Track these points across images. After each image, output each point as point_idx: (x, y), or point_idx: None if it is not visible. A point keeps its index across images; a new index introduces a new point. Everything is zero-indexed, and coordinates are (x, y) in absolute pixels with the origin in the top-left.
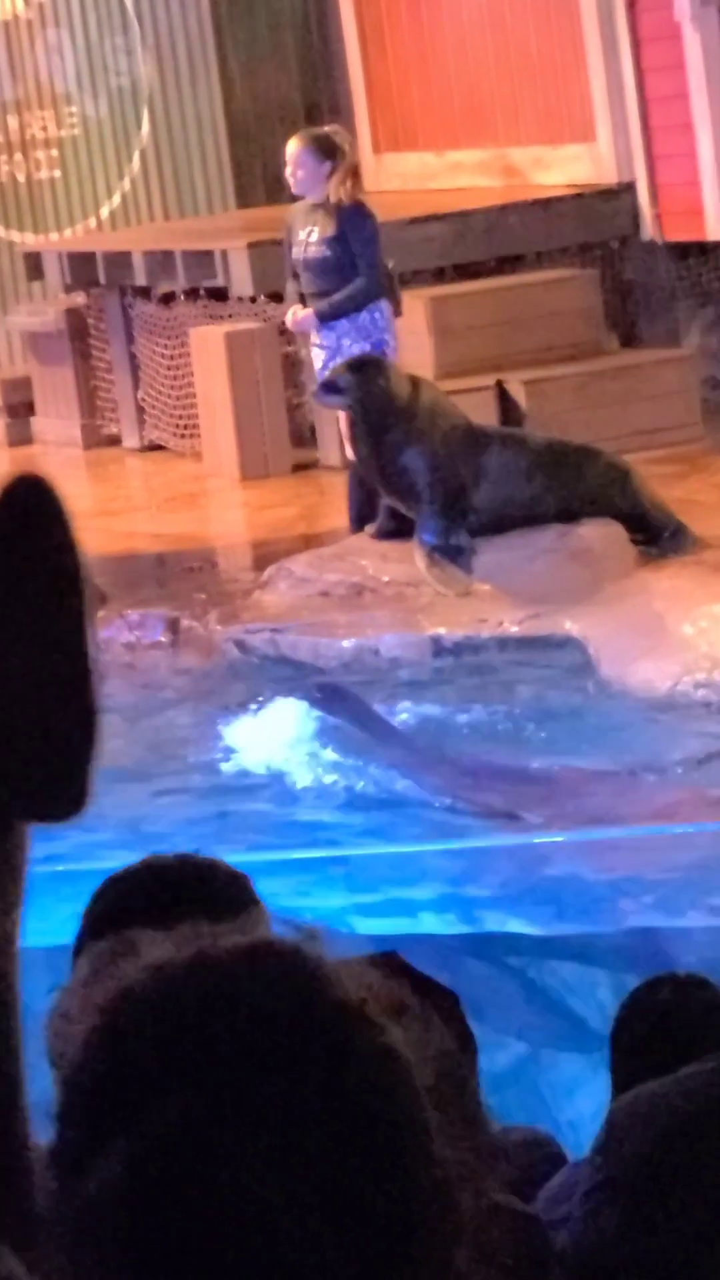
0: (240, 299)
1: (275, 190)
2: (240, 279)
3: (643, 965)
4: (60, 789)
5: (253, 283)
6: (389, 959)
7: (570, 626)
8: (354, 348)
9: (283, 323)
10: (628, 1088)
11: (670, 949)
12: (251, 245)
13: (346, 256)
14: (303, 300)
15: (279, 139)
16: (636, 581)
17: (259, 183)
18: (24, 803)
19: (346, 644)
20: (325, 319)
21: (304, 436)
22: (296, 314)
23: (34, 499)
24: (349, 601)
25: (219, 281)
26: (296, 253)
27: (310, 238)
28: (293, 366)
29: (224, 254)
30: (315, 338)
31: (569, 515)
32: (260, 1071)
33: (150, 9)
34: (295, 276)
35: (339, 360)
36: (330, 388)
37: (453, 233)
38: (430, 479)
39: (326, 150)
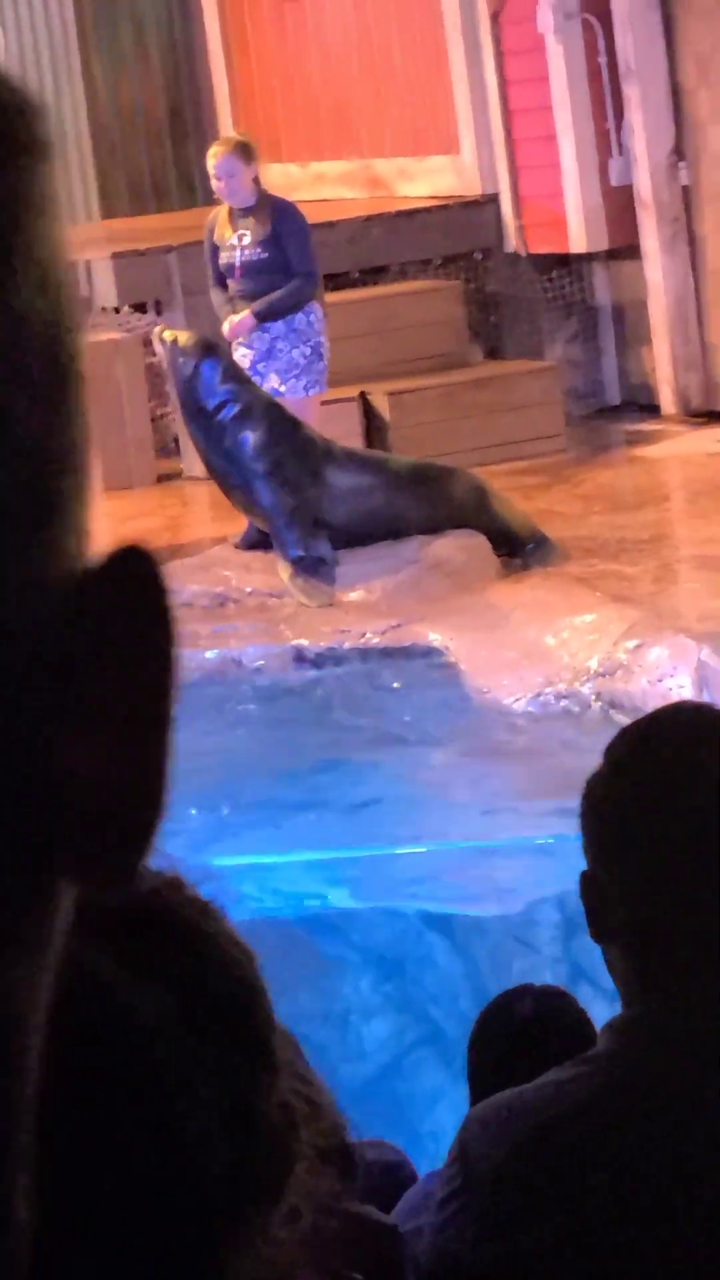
0: (104, 309)
1: (140, 200)
2: (104, 290)
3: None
4: (117, 859)
5: (117, 293)
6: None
7: (433, 637)
8: (292, 351)
9: (147, 334)
10: (485, 1098)
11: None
12: (115, 256)
13: (281, 257)
14: (233, 305)
15: (143, 149)
16: (499, 592)
17: (123, 193)
18: (76, 867)
19: (210, 655)
20: (263, 320)
21: (168, 447)
22: (232, 321)
23: (137, 569)
24: (212, 613)
25: (83, 292)
26: (227, 258)
27: (243, 241)
28: (157, 377)
29: (88, 265)
30: (243, 338)
31: (430, 533)
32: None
33: (14, 18)
34: (221, 285)
35: (269, 363)
36: (172, 353)
37: (317, 243)
38: (276, 492)
39: (250, 154)
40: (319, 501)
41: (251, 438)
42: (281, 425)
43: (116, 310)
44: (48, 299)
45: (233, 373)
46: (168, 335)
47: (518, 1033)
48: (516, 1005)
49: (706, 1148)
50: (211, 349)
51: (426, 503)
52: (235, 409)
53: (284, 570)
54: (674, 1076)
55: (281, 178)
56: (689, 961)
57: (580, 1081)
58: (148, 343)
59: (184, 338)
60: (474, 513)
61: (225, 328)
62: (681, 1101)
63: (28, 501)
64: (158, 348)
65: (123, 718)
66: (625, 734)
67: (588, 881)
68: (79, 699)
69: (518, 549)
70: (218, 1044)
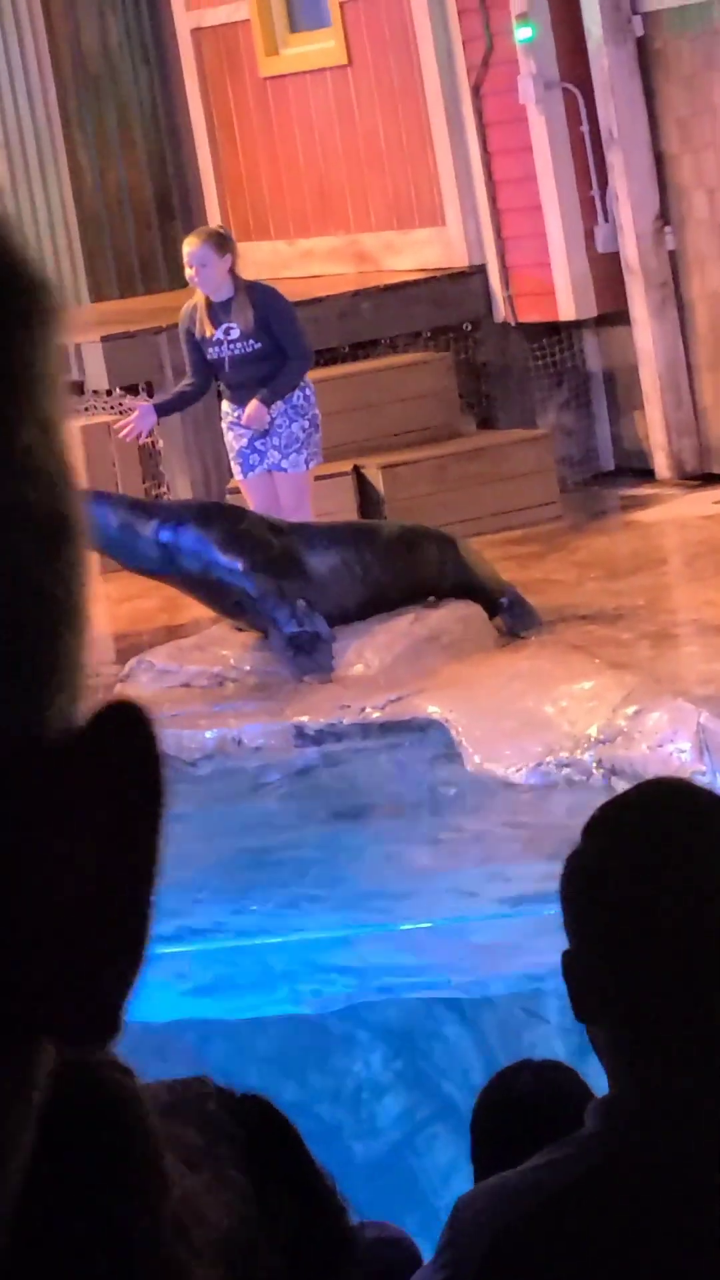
0: (96, 392)
1: (128, 282)
2: (95, 372)
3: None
4: (91, 1016)
5: (108, 376)
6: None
7: (432, 710)
8: (291, 426)
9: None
10: (488, 1175)
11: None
12: (105, 339)
13: (273, 343)
14: (218, 395)
15: (130, 232)
16: (496, 662)
17: (112, 275)
18: (51, 1024)
19: (210, 735)
20: (270, 405)
21: None
22: (246, 414)
23: (128, 726)
24: (211, 692)
25: (74, 375)
26: (215, 353)
27: (230, 335)
28: (150, 458)
29: (78, 348)
30: (230, 417)
31: (410, 595)
32: None
33: None
34: (201, 374)
35: (268, 439)
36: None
37: (306, 320)
38: (256, 578)
39: (224, 245)
40: (301, 580)
41: (211, 543)
42: (228, 517)
43: (108, 393)
44: (52, 459)
45: (136, 503)
46: None
47: (518, 1109)
48: (515, 1081)
49: (691, 1232)
50: (92, 495)
51: (403, 568)
52: (170, 530)
53: (280, 648)
54: (659, 1158)
55: (270, 255)
56: (672, 1041)
57: (565, 1165)
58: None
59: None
60: (448, 567)
61: (227, 412)
62: (667, 1184)
63: (29, 655)
64: None
65: (110, 875)
66: (603, 810)
67: (569, 960)
68: (66, 856)
69: (492, 607)
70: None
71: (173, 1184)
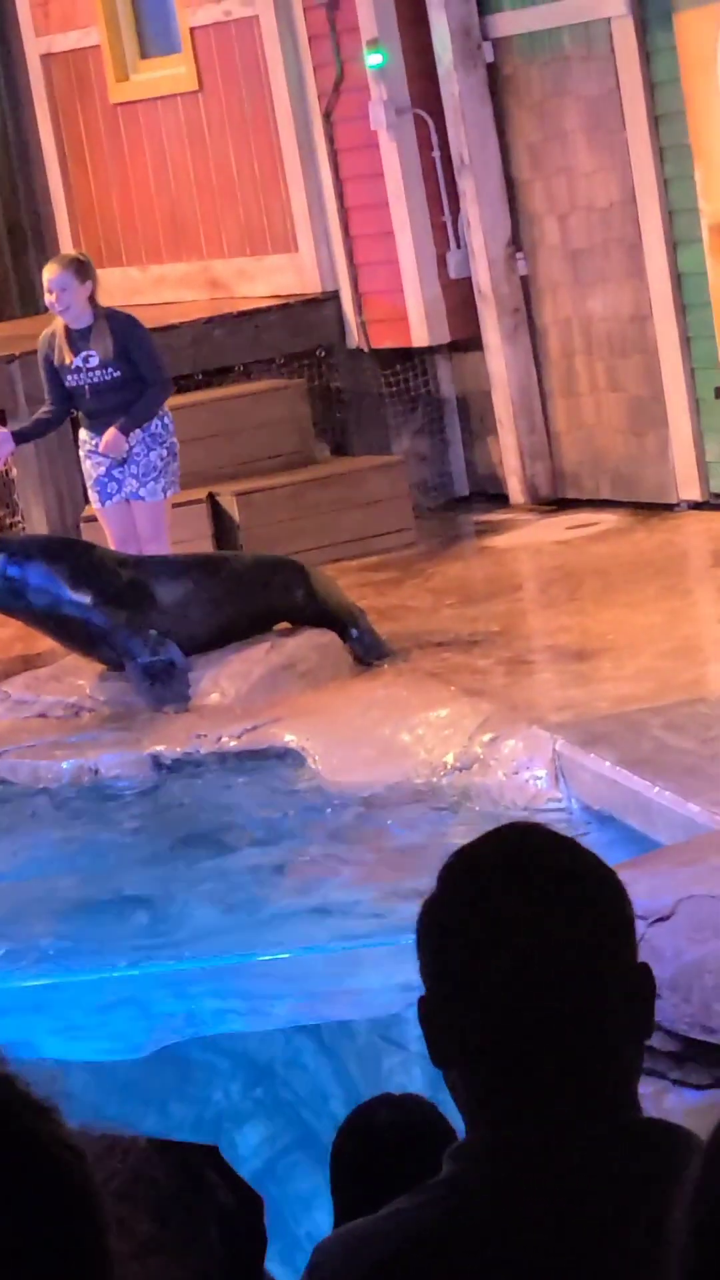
0: None
1: None
2: None
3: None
4: None
5: None
6: (200, 1149)
7: (289, 738)
8: (149, 454)
9: None
10: (348, 1207)
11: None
12: None
13: (132, 371)
14: (73, 423)
15: None
16: (353, 690)
17: None
18: None
19: (66, 765)
20: (129, 432)
21: None
22: (104, 441)
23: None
24: (68, 722)
25: None
26: (75, 380)
27: (89, 363)
28: (3, 486)
29: None
30: (88, 445)
31: (262, 624)
32: None
33: None
34: (59, 401)
35: (125, 468)
36: None
37: (160, 347)
38: (106, 610)
39: (85, 272)
40: (152, 611)
41: (58, 578)
42: (75, 551)
43: None
44: None
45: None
46: None
47: (377, 1144)
48: (374, 1116)
49: (545, 1277)
50: None
51: (254, 597)
52: (16, 565)
53: (135, 677)
54: (514, 1203)
55: (122, 281)
56: (525, 1086)
57: (423, 1210)
58: None
59: None
60: (298, 593)
61: (85, 440)
62: (522, 1229)
63: None
64: None
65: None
66: (456, 856)
67: (424, 1006)
68: None
69: (345, 635)
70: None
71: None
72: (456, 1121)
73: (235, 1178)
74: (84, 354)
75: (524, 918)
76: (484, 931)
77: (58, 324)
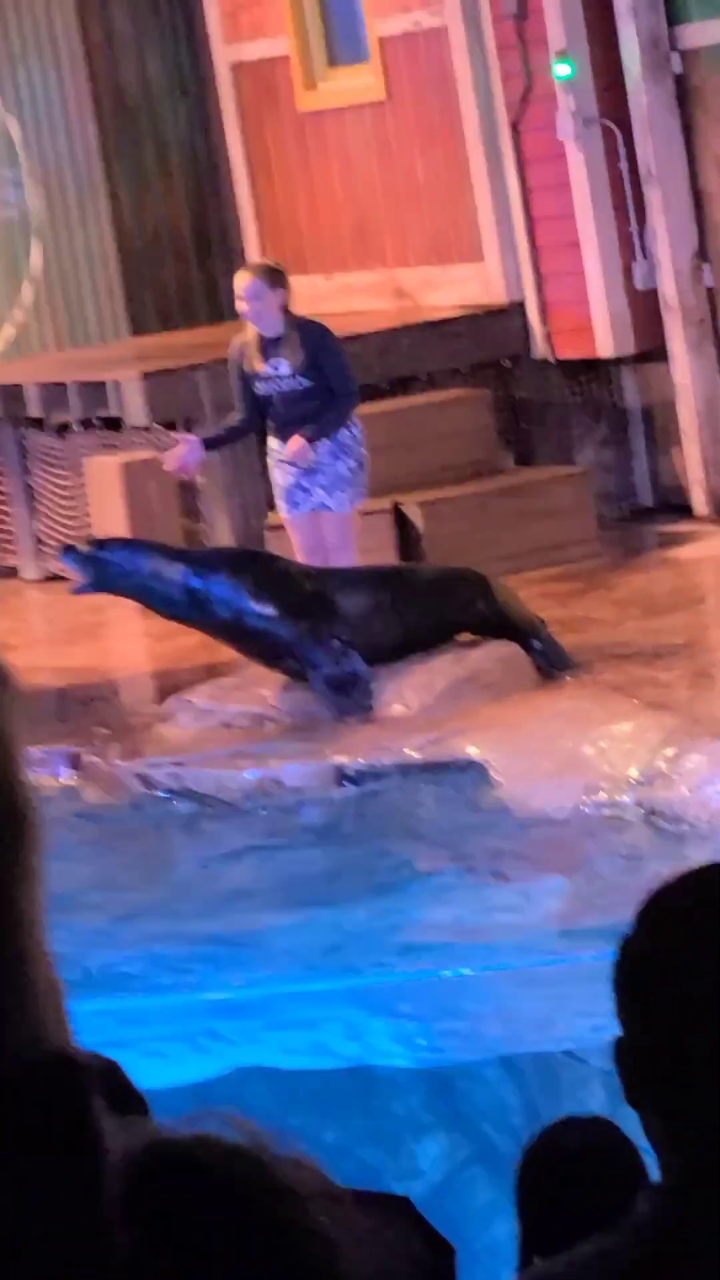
0: (135, 428)
1: (168, 318)
2: (134, 408)
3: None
4: None
5: (147, 412)
6: (394, 1201)
7: (472, 751)
8: (336, 464)
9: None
10: (534, 1233)
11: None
12: (145, 375)
13: (321, 381)
14: (259, 430)
15: (170, 266)
16: (535, 703)
17: (151, 310)
18: None
19: (249, 775)
20: (314, 442)
21: None
22: (290, 449)
23: (60, 1083)
24: (251, 732)
25: (113, 411)
26: (264, 389)
27: (279, 370)
28: (189, 494)
29: (117, 384)
30: (277, 454)
31: (443, 632)
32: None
33: (37, 140)
34: (250, 409)
35: (314, 478)
36: (87, 565)
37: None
38: (288, 622)
39: (277, 280)
40: (335, 622)
41: (242, 590)
42: (259, 563)
43: (147, 429)
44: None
45: (166, 550)
46: (81, 549)
47: (565, 1169)
48: (561, 1140)
49: None
50: (118, 541)
51: (436, 609)
52: (200, 577)
53: (319, 688)
54: (710, 1251)
55: (308, 289)
56: None
57: (615, 1255)
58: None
59: (83, 546)
60: (479, 604)
61: (275, 449)
62: (716, 1277)
63: None
64: (75, 568)
65: (38, 1235)
66: (655, 896)
67: (620, 1047)
68: None
69: (527, 647)
70: None
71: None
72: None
73: (427, 1226)
74: (274, 362)
75: None
76: (686, 973)
77: (250, 332)
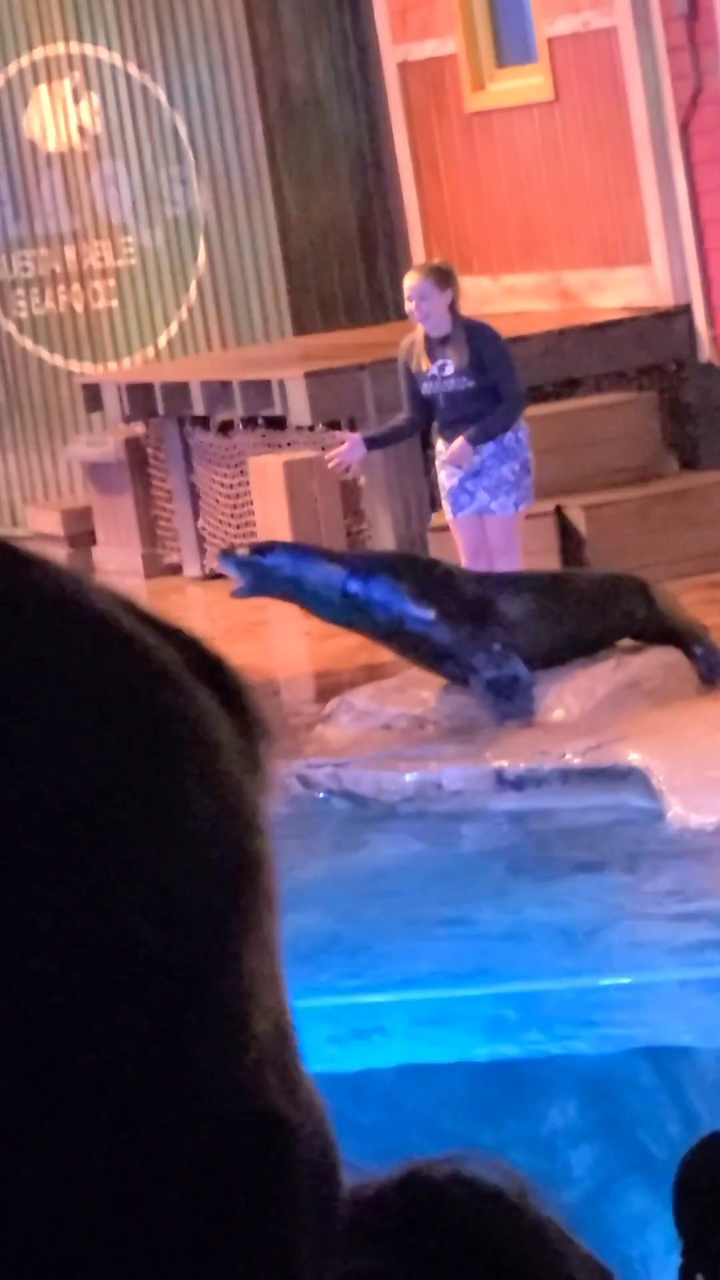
0: (298, 427)
1: (332, 317)
2: (298, 408)
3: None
4: None
5: (310, 412)
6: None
7: (633, 758)
8: (501, 468)
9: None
10: (696, 1241)
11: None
12: (309, 374)
13: (486, 382)
14: (423, 431)
15: (335, 266)
16: (698, 711)
17: (316, 310)
18: None
19: (409, 778)
20: (478, 444)
21: None
22: (451, 450)
23: (271, 1140)
24: (411, 734)
25: (277, 410)
26: (430, 388)
27: (445, 371)
28: (352, 494)
29: (281, 383)
30: (442, 455)
31: (605, 638)
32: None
33: (204, 139)
34: (418, 410)
35: (478, 480)
36: (245, 569)
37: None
38: (449, 625)
39: (445, 280)
40: (496, 626)
41: (403, 595)
42: (419, 568)
43: (311, 429)
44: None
45: (326, 554)
46: (239, 553)
47: None
48: (716, 1152)
49: None
50: (277, 545)
51: (596, 615)
52: (360, 581)
53: (480, 691)
54: None
55: (473, 291)
56: None
57: None
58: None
59: (242, 550)
60: (640, 609)
61: (439, 450)
62: None
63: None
64: (233, 572)
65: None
66: None
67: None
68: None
69: (689, 654)
70: None
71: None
72: None
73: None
74: (440, 362)
75: None
76: None
77: (418, 331)
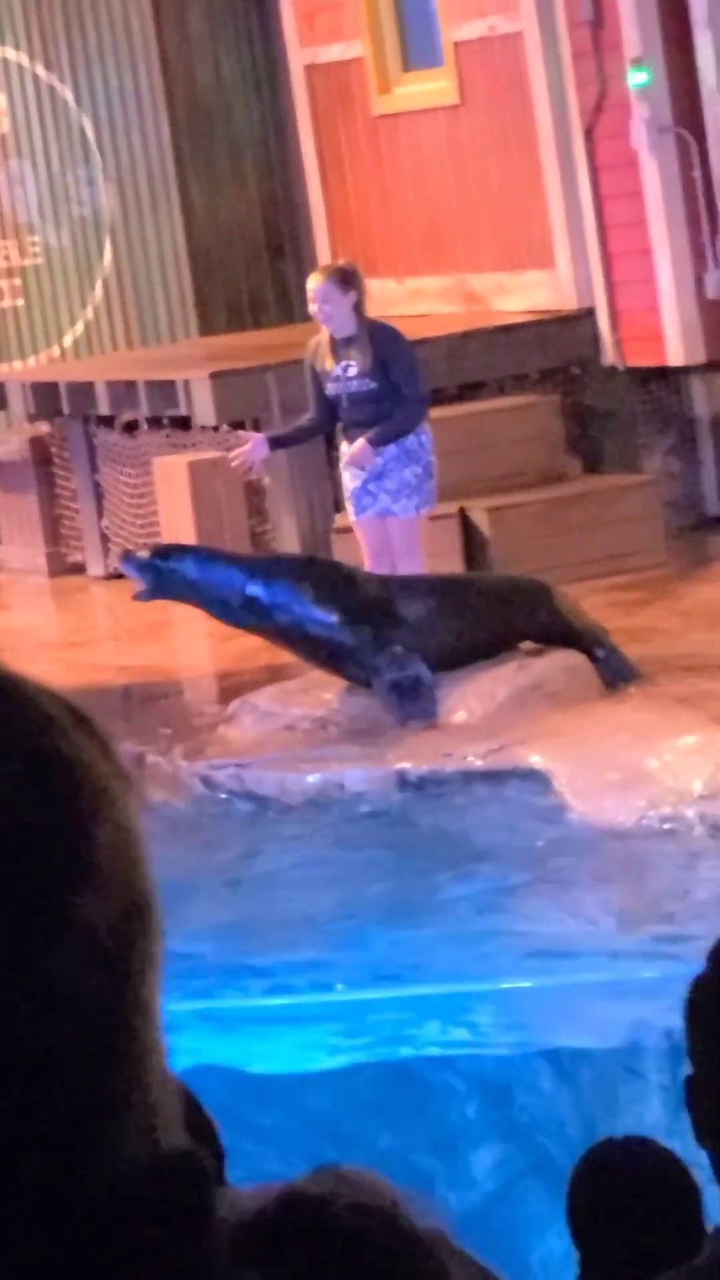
0: (203, 428)
1: (238, 318)
2: (203, 408)
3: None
4: None
5: (215, 412)
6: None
7: (535, 760)
8: (403, 471)
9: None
10: (591, 1247)
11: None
12: (214, 375)
13: (389, 384)
14: (328, 432)
15: (241, 267)
16: (600, 713)
17: (221, 310)
18: None
19: (312, 779)
20: (379, 446)
21: None
22: (350, 451)
23: (186, 1177)
24: (314, 736)
25: (182, 411)
26: (334, 389)
27: (348, 372)
28: (256, 495)
29: (186, 384)
30: (365, 466)
31: (505, 641)
32: None
33: (111, 139)
34: (322, 410)
35: (380, 483)
36: (146, 572)
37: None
38: (351, 628)
39: (349, 282)
40: (397, 628)
41: (303, 597)
42: (320, 571)
43: (215, 429)
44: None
45: (225, 556)
46: (139, 556)
47: (614, 1188)
48: (609, 1155)
49: None
50: (178, 548)
51: (497, 619)
52: (261, 584)
53: (382, 693)
54: None
55: (379, 293)
56: None
57: None
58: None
59: (142, 553)
60: (541, 614)
61: (343, 451)
62: None
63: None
64: (133, 575)
65: None
66: None
67: (693, 1085)
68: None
69: (590, 657)
70: None
71: None
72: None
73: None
74: (344, 363)
75: None
76: None
77: (325, 332)
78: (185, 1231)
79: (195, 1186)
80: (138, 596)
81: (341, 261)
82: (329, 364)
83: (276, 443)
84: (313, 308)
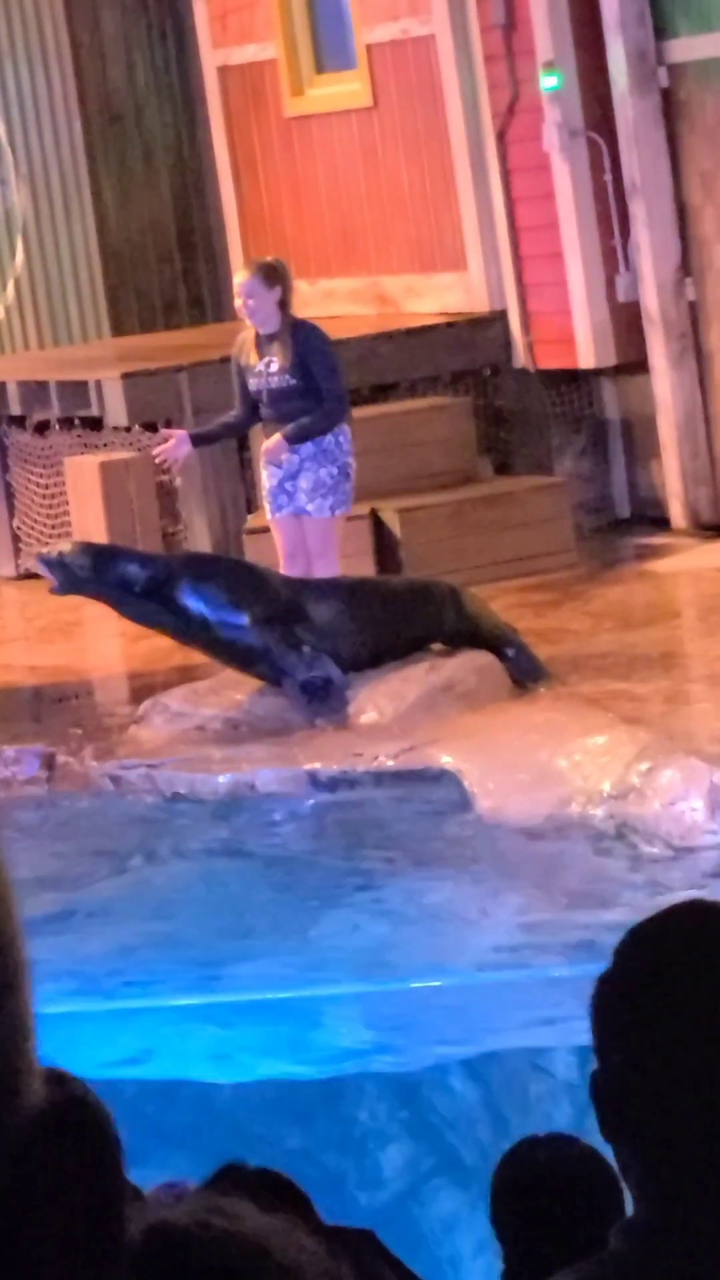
0: (115, 428)
1: (150, 319)
2: (115, 409)
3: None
4: None
5: (127, 412)
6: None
7: (445, 760)
8: (319, 471)
9: (158, 452)
10: (515, 1246)
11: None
12: (126, 375)
13: (309, 382)
14: (250, 428)
15: (154, 268)
16: (510, 714)
17: (133, 311)
18: None
19: (222, 780)
20: (295, 443)
21: None
22: (266, 445)
23: (81, 1122)
24: (224, 736)
25: (94, 411)
26: (256, 384)
27: (270, 368)
28: (168, 496)
29: (98, 384)
30: (278, 461)
31: (414, 643)
32: None
33: (23, 137)
34: (246, 406)
35: (295, 481)
36: (58, 569)
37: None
38: (260, 628)
39: (274, 278)
40: (306, 629)
41: (211, 598)
42: (228, 571)
43: (127, 429)
44: None
45: (133, 556)
46: (50, 554)
47: (538, 1187)
48: (531, 1153)
49: None
50: (90, 546)
51: (405, 620)
52: (169, 584)
53: (292, 694)
54: None
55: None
56: (702, 1170)
57: None
58: (164, 462)
59: (67, 547)
60: (449, 615)
61: (265, 446)
62: None
63: None
64: (45, 572)
65: (61, 1259)
66: (634, 933)
67: (598, 1081)
68: (20, 1240)
69: (500, 657)
70: None
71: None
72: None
73: (395, 1259)
74: (267, 359)
75: (703, 1000)
76: (665, 1012)
77: (251, 330)
78: (88, 1163)
79: (98, 1117)
80: (54, 591)
81: (269, 258)
82: (253, 359)
83: (199, 439)
84: (238, 302)
